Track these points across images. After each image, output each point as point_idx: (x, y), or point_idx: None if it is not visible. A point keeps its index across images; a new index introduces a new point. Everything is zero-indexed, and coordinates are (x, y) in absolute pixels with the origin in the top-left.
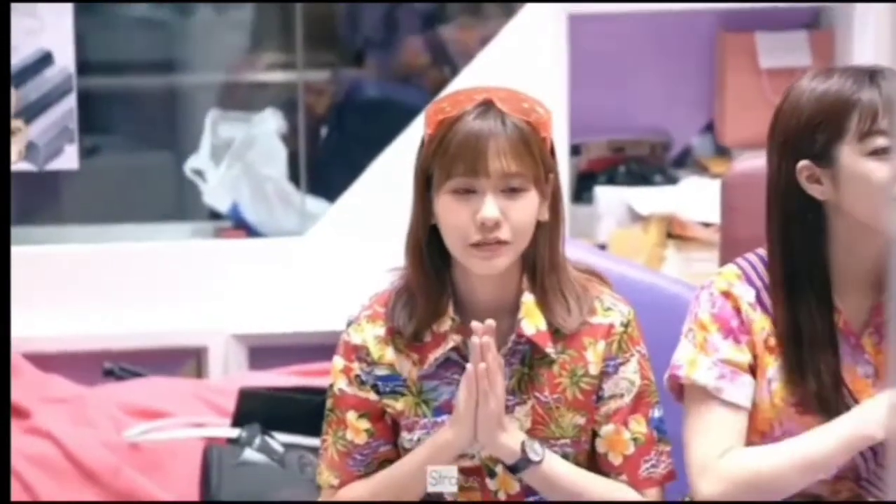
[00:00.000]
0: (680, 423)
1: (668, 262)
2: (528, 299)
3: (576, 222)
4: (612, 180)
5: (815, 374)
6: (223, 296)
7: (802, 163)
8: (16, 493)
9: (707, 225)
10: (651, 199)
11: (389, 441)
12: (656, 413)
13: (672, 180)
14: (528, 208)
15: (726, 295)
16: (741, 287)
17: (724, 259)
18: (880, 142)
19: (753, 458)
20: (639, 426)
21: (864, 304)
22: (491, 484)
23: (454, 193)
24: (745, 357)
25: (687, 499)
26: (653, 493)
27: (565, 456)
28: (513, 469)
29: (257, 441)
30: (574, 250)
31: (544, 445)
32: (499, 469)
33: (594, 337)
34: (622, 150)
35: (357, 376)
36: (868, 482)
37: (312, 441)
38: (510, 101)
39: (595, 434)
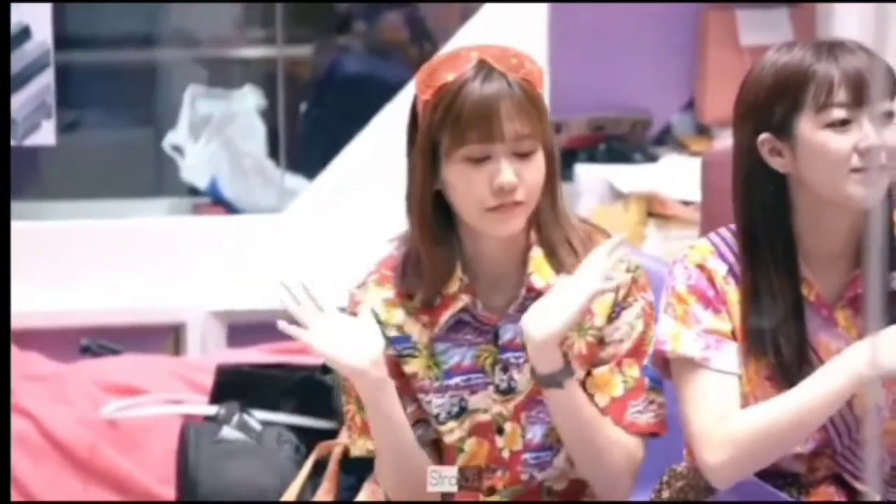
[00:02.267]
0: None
1: (648, 239)
2: (536, 253)
3: None
4: (592, 158)
5: (774, 347)
6: (201, 272)
7: (763, 135)
8: None
9: (687, 203)
10: (631, 177)
11: (413, 399)
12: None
13: (652, 158)
14: (539, 168)
15: (700, 268)
16: (714, 261)
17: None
18: (837, 114)
19: (750, 418)
20: (631, 370)
21: (838, 278)
22: (499, 441)
23: (468, 161)
24: (726, 325)
25: (679, 468)
26: (634, 443)
27: None
28: (546, 380)
29: (235, 419)
30: None
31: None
32: (507, 426)
33: None
34: (602, 128)
35: None
36: (843, 457)
37: (291, 419)
38: (504, 60)
39: (587, 375)
